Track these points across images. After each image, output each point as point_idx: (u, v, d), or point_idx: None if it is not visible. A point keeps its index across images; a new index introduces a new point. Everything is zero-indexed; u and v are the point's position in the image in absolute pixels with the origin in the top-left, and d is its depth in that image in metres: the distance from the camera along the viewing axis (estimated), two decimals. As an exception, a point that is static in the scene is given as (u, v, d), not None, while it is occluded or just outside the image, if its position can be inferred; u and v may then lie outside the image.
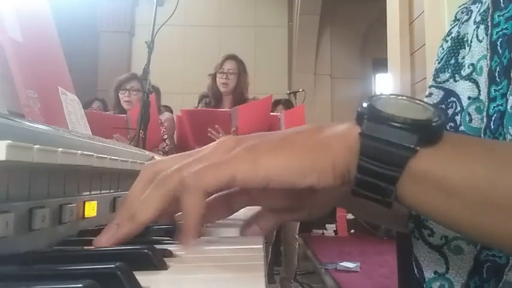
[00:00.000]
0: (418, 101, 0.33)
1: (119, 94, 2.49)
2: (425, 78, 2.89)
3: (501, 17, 0.41)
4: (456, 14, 0.51)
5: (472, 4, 0.47)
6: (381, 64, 5.35)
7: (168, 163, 0.36)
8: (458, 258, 0.40)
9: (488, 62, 0.41)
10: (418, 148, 0.29)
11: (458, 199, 0.29)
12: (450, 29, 0.50)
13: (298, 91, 3.96)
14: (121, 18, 6.10)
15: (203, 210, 0.33)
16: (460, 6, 0.51)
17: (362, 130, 0.30)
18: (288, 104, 3.40)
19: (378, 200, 0.31)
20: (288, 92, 4.34)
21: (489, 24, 0.42)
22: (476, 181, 0.28)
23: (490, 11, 0.42)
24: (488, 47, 0.41)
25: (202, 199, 0.33)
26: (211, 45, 5.97)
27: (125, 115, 2.36)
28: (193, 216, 0.33)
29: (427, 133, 0.29)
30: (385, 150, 0.29)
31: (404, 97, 0.33)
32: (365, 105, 0.32)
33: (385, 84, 5.38)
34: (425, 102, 0.33)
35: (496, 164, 0.29)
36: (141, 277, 0.26)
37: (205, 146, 0.37)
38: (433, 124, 0.30)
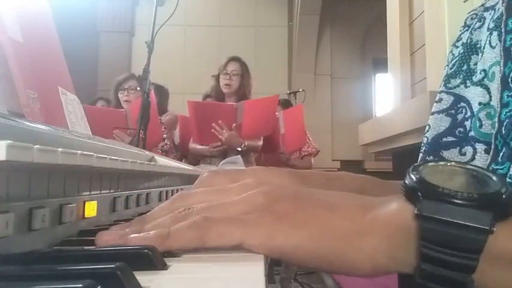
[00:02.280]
0: (472, 167, 0.29)
1: (119, 94, 2.49)
2: (425, 78, 2.89)
3: None
4: (466, 20, 0.51)
5: (484, 11, 0.48)
6: (381, 64, 5.35)
7: (200, 198, 0.36)
8: None
9: (502, 67, 0.41)
10: (494, 228, 0.25)
11: None
12: (460, 35, 0.51)
13: (298, 91, 3.96)
14: (121, 18, 6.10)
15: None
16: (469, 13, 0.51)
17: (419, 211, 0.26)
18: (286, 104, 3.41)
19: None
20: (288, 92, 4.34)
21: (502, 30, 0.42)
22: None
23: (504, 17, 0.42)
24: (502, 53, 0.41)
25: (196, 241, 0.32)
26: (211, 45, 5.97)
27: (123, 109, 2.36)
28: (175, 244, 0.32)
29: (500, 208, 0.26)
30: (455, 235, 0.25)
31: (453, 163, 0.30)
32: (413, 178, 0.27)
33: (385, 84, 5.38)
34: (480, 167, 0.29)
35: None
36: (141, 277, 0.26)
37: (239, 187, 0.35)
38: (504, 197, 0.26)
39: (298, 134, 2.84)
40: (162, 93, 2.72)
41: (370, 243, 0.28)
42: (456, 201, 0.25)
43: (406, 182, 0.28)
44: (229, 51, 2.64)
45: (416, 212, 0.26)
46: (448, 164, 0.30)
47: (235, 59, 2.47)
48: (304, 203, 0.31)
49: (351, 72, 6.17)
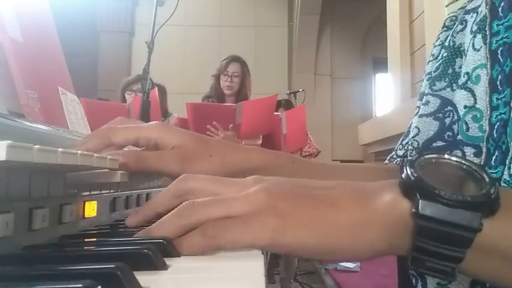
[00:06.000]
0: (465, 162, 0.31)
1: (126, 94, 2.48)
2: (425, 78, 2.89)
3: (500, 26, 0.41)
4: (445, 21, 0.51)
5: (465, 14, 0.48)
6: (381, 63, 5.35)
7: (201, 185, 0.36)
8: None
9: (489, 70, 0.41)
10: (482, 226, 0.28)
11: None
12: (438, 35, 0.51)
13: (298, 91, 3.96)
14: (121, 18, 6.10)
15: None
16: (449, 15, 0.52)
17: (416, 210, 0.29)
18: (288, 105, 3.41)
19: (439, 277, 0.30)
20: (288, 92, 4.34)
21: (487, 33, 0.42)
22: None
23: (488, 20, 0.42)
24: (488, 56, 0.41)
25: (210, 248, 0.33)
26: (211, 45, 5.97)
27: (126, 103, 2.34)
28: (188, 253, 0.33)
29: (488, 207, 0.28)
30: (447, 232, 0.28)
31: (451, 158, 0.32)
32: (411, 176, 0.30)
33: (385, 84, 5.38)
34: (473, 163, 0.31)
35: None
36: (141, 277, 0.26)
37: (239, 182, 0.36)
38: (493, 197, 0.29)
39: (300, 134, 2.84)
40: (161, 92, 2.72)
41: (369, 235, 0.30)
42: (451, 203, 0.28)
43: (404, 178, 0.30)
44: (229, 51, 2.63)
45: (414, 210, 0.29)
46: (442, 159, 0.32)
47: (236, 59, 2.43)
48: (305, 199, 0.32)
49: (351, 72, 6.17)
